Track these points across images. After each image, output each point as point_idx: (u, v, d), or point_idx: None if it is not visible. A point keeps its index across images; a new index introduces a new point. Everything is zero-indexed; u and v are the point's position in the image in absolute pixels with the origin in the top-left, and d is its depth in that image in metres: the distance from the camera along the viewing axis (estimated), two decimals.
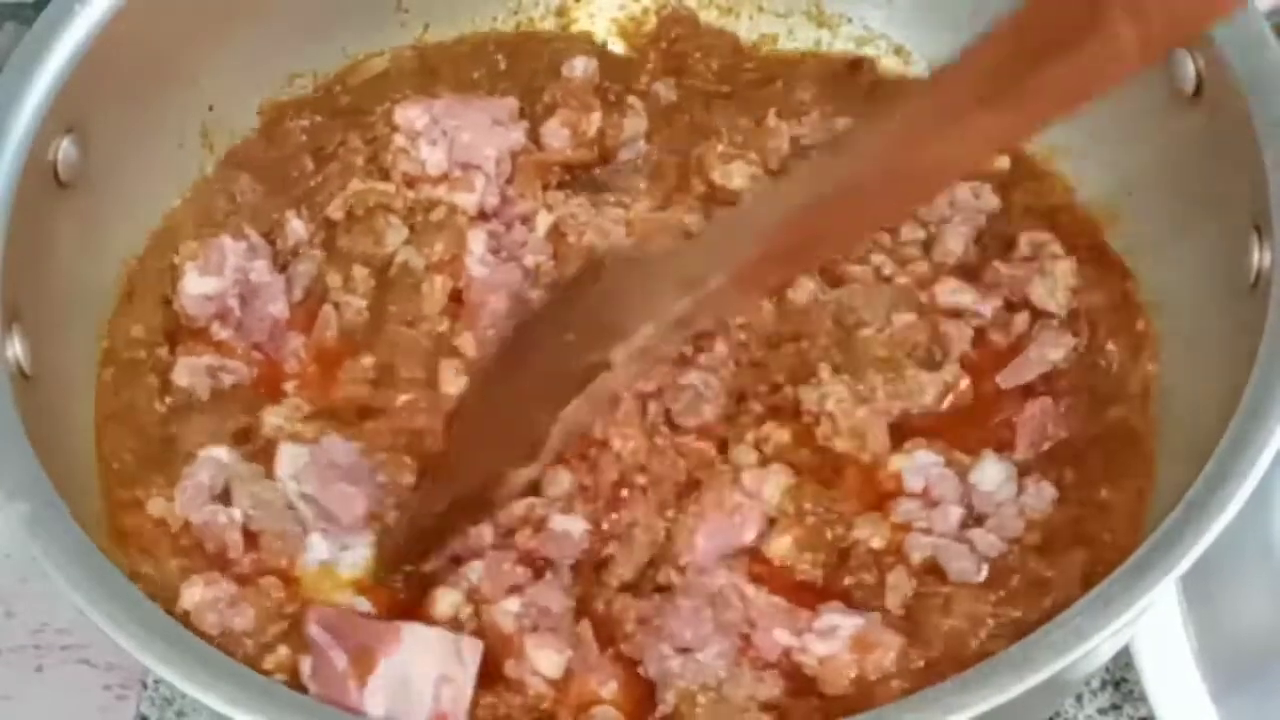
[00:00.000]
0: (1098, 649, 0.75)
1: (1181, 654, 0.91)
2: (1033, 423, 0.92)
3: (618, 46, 1.12)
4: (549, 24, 1.12)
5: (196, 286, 0.97)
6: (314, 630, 0.83)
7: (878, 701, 0.79)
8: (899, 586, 0.86)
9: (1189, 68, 0.89)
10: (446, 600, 0.87)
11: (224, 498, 0.91)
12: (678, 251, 0.93)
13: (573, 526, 0.88)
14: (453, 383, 0.94)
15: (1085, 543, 0.86)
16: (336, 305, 0.98)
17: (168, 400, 0.95)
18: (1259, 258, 0.83)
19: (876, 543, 0.88)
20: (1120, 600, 0.73)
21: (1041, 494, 0.90)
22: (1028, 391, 0.94)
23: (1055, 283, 0.96)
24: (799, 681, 0.84)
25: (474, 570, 0.87)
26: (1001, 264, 0.97)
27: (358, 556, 0.90)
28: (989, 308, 0.96)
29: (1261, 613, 0.90)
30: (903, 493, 0.91)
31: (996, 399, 0.94)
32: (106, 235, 0.96)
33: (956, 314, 0.96)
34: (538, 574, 0.87)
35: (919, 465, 0.91)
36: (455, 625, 0.86)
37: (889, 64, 1.09)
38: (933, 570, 0.87)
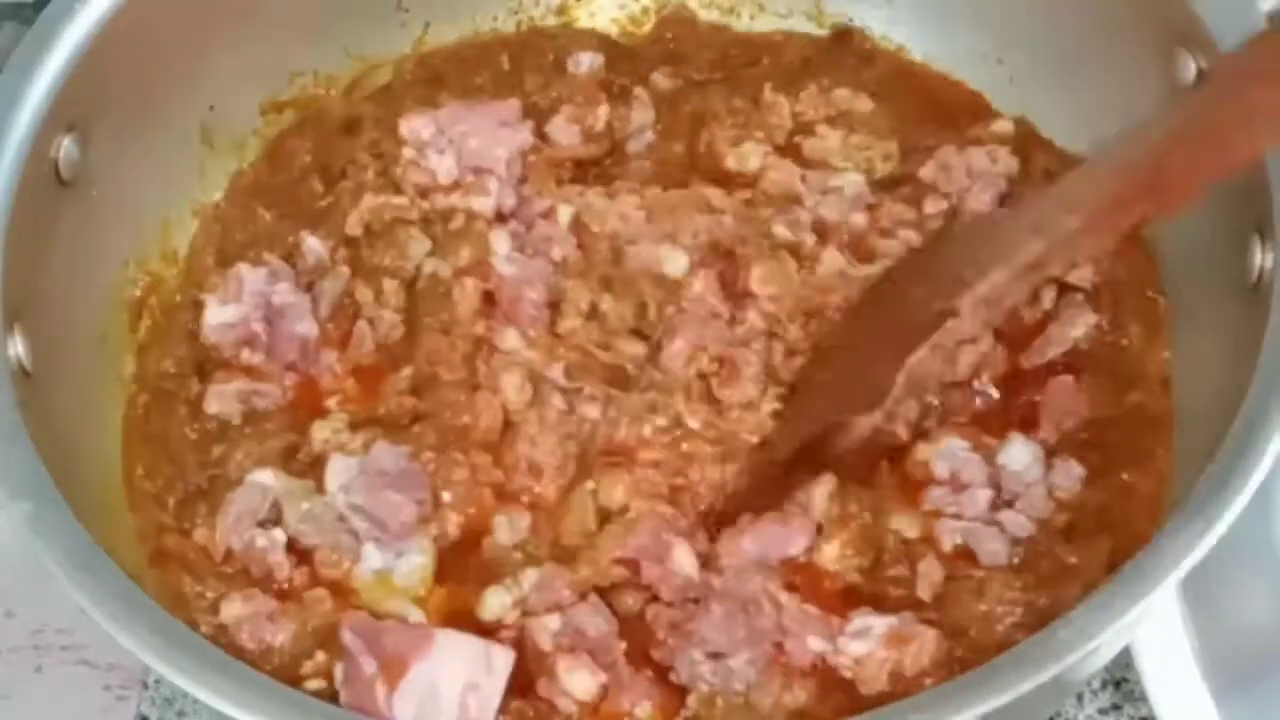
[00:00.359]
0: (1098, 651, 0.75)
1: (1182, 654, 0.91)
2: (1055, 401, 0.93)
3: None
4: (549, 23, 1.12)
5: (217, 316, 0.98)
6: (347, 636, 0.84)
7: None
8: (929, 574, 0.87)
9: (1191, 69, 0.89)
10: (496, 601, 0.87)
11: (268, 522, 0.91)
12: (1027, 204, 0.93)
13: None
14: (518, 391, 0.94)
15: (1109, 529, 0.87)
16: (370, 321, 0.98)
17: (197, 427, 0.95)
18: (1261, 259, 0.84)
19: (912, 534, 0.89)
20: (1122, 602, 0.74)
21: (1070, 472, 0.91)
22: (1050, 370, 0.95)
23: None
24: (830, 686, 0.84)
25: (528, 578, 0.87)
26: None
27: (412, 564, 0.90)
28: None
29: (1262, 613, 0.91)
30: (932, 480, 0.91)
31: (1019, 379, 0.95)
32: (108, 233, 0.96)
33: None
34: (582, 595, 0.87)
35: (947, 451, 0.92)
36: (497, 629, 0.86)
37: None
38: (964, 555, 0.88)
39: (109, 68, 0.93)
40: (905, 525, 0.89)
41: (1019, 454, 0.91)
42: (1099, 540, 0.87)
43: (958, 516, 0.90)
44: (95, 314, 0.96)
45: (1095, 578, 0.83)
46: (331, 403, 0.97)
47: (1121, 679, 0.98)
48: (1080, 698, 0.98)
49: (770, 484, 0.90)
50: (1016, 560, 0.88)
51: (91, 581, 0.77)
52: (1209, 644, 0.91)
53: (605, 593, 0.87)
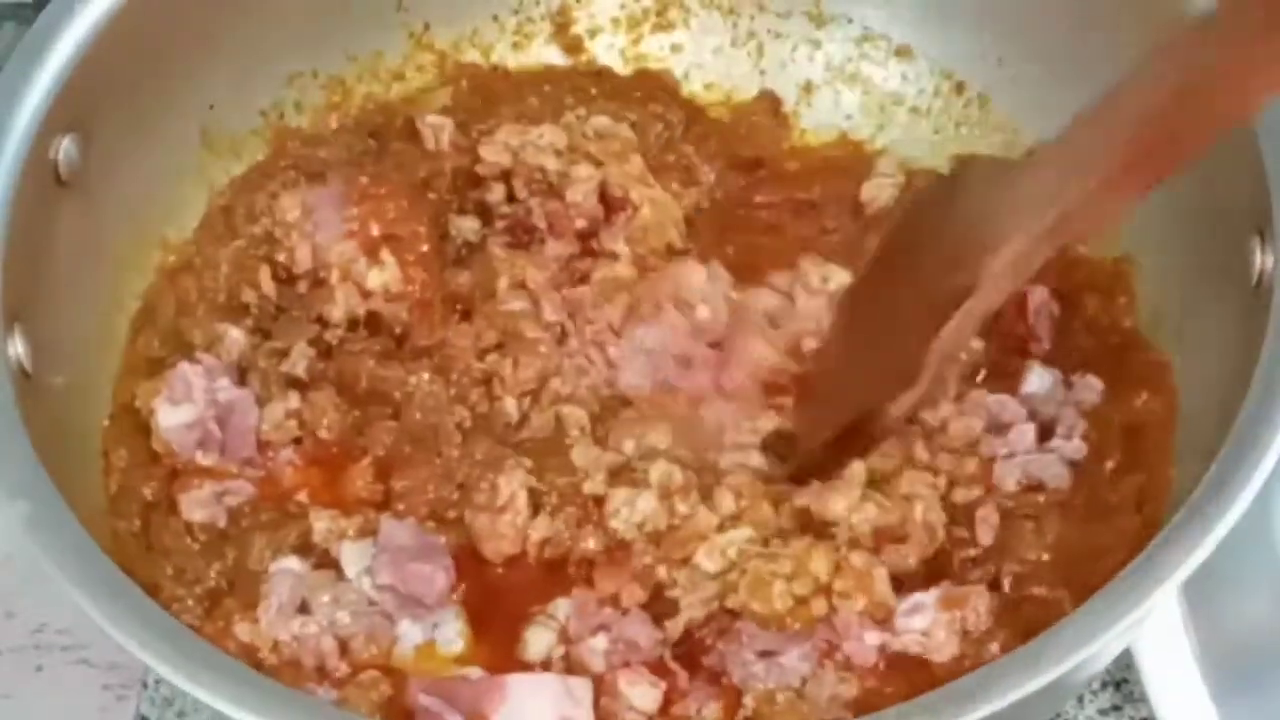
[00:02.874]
0: (1099, 654, 0.75)
1: (1183, 655, 0.91)
2: (1040, 312, 0.95)
3: (618, 40, 1.12)
4: (547, 24, 1.12)
5: (172, 418, 0.92)
6: (423, 699, 0.82)
7: (986, 659, 0.83)
8: (987, 518, 0.88)
9: None
10: (539, 642, 0.86)
11: (304, 608, 0.88)
12: (1041, 160, 0.88)
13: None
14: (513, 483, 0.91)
15: (1137, 467, 0.90)
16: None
17: (201, 538, 0.91)
18: (1260, 260, 0.84)
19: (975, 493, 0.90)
20: (1121, 605, 0.74)
21: (1089, 385, 0.93)
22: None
23: None
24: (897, 669, 0.85)
25: (560, 608, 0.87)
26: None
27: (452, 632, 0.88)
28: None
29: (1263, 614, 0.91)
30: (976, 438, 0.92)
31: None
32: (107, 235, 0.96)
33: None
34: (623, 610, 0.87)
35: (973, 404, 0.93)
36: (547, 667, 0.86)
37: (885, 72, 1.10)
38: (1031, 489, 0.90)
39: (109, 68, 0.93)
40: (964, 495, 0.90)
41: (1039, 379, 0.93)
42: (1131, 478, 0.89)
43: (1012, 455, 0.91)
44: (95, 315, 0.95)
45: (1129, 527, 0.86)
46: (302, 496, 0.93)
47: (1122, 680, 0.98)
48: (1080, 698, 0.98)
49: (812, 469, 0.89)
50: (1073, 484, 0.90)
51: (91, 582, 0.77)
52: (1209, 645, 0.91)
53: (644, 608, 0.87)
